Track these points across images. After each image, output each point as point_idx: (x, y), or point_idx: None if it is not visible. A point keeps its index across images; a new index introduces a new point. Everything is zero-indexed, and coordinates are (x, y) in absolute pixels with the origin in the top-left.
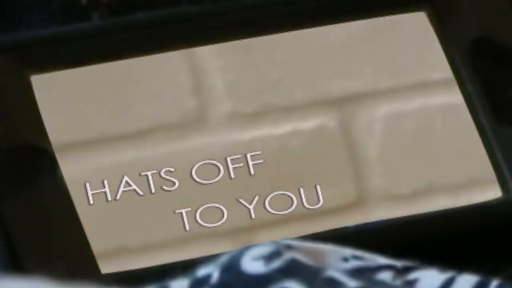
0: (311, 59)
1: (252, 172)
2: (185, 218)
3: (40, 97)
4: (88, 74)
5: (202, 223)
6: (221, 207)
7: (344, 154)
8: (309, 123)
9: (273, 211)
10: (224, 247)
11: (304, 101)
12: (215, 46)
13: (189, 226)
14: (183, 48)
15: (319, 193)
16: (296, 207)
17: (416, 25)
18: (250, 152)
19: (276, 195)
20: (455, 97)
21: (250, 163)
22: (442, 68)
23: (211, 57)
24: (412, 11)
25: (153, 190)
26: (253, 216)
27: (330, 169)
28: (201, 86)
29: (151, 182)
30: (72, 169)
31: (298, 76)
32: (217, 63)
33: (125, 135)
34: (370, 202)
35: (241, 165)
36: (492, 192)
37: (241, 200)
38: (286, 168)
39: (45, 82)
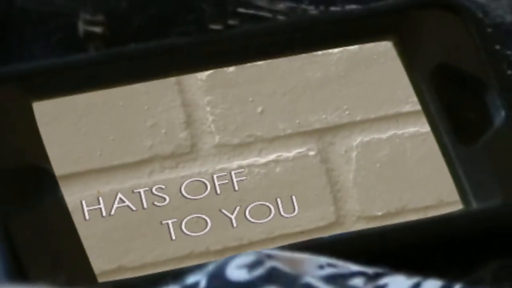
0: (292, 93)
1: (237, 188)
2: (171, 229)
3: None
4: (87, 107)
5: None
6: (206, 217)
7: (323, 180)
8: (291, 152)
9: (253, 220)
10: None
11: (286, 132)
12: (204, 82)
13: (175, 235)
14: (172, 76)
15: (297, 208)
16: (277, 225)
17: (388, 60)
18: (236, 178)
19: (257, 207)
20: (424, 127)
21: (235, 180)
22: (412, 101)
23: (201, 92)
24: (377, 40)
25: (145, 205)
26: (234, 224)
27: (311, 194)
28: (192, 119)
29: (143, 198)
30: (72, 195)
31: (280, 109)
32: (206, 99)
33: (123, 164)
34: (346, 223)
35: (226, 181)
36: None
37: (224, 211)
38: (270, 193)
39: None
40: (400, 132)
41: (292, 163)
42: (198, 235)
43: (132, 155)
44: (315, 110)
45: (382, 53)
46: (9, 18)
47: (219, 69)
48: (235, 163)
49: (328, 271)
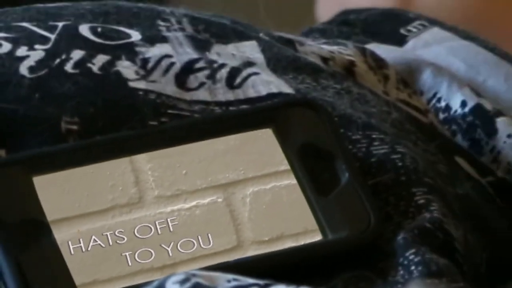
0: (205, 161)
1: (172, 230)
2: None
3: (40, 192)
4: (73, 177)
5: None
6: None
7: (228, 218)
8: (206, 200)
9: (182, 250)
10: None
11: (202, 186)
12: (146, 156)
13: (131, 263)
14: (125, 156)
15: (212, 240)
16: (197, 249)
17: (268, 137)
18: (170, 218)
19: (185, 242)
20: (294, 180)
21: (170, 224)
22: (285, 163)
23: (145, 163)
24: (261, 128)
25: (110, 243)
26: (170, 254)
27: (219, 227)
28: (139, 180)
29: (109, 238)
30: (61, 233)
31: (198, 171)
32: (148, 166)
33: (94, 211)
34: (244, 246)
35: (164, 226)
36: (316, 237)
37: (163, 245)
38: (192, 227)
39: (43, 182)
40: (278, 184)
41: (207, 207)
42: (146, 262)
43: (100, 205)
44: (221, 171)
45: (264, 131)
46: (14, 122)
47: None
48: (169, 208)
49: (234, 283)
